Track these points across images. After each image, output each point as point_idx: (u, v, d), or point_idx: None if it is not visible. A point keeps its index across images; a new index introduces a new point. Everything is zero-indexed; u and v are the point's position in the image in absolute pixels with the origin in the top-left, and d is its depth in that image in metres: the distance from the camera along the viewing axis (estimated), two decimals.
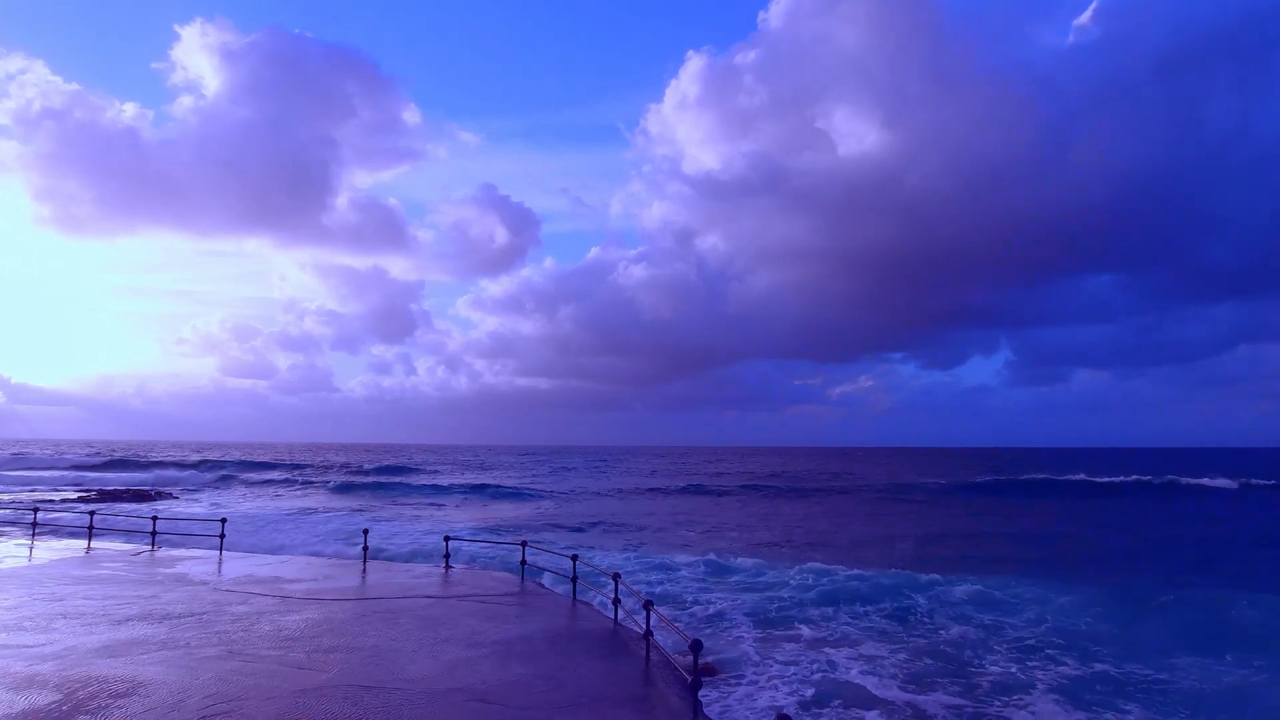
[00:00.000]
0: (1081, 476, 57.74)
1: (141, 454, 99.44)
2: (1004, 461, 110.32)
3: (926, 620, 14.64)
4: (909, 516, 36.80)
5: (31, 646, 8.98)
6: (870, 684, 10.68)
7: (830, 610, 15.10)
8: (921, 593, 16.47)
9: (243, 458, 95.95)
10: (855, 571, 18.48)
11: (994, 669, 11.66)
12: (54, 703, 6.95)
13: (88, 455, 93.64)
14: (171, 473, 66.32)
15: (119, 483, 54.65)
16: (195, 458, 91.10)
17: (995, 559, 22.56)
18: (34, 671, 7.93)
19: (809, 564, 19.66)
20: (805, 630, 13.75)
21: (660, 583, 17.65)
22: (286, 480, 60.67)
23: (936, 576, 17.79)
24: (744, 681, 10.74)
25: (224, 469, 71.09)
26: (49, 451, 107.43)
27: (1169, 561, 22.49)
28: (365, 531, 18.16)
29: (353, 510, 37.86)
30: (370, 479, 61.22)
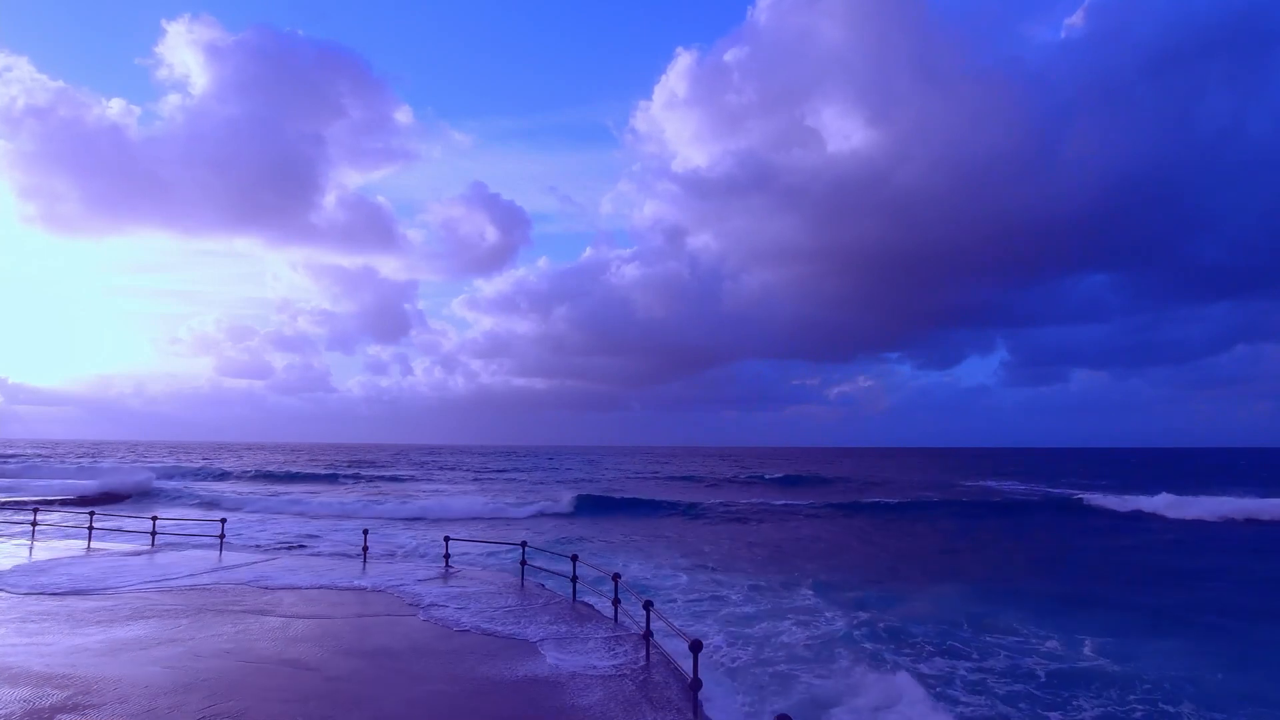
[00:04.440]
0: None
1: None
2: (1010, 464, 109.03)
3: None
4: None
5: (31, 646, 8.97)
6: None
7: None
8: None
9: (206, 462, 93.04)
10: None
11: None
12: (55, 703, 6.94)
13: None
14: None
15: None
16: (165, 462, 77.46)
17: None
18: (34, 671, 7.92)
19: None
20: None
21: None
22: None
23: None
24: None
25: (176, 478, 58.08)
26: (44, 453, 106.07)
27: None
28: (365, 532, 18.18)
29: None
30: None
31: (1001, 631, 13.63)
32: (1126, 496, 42.82)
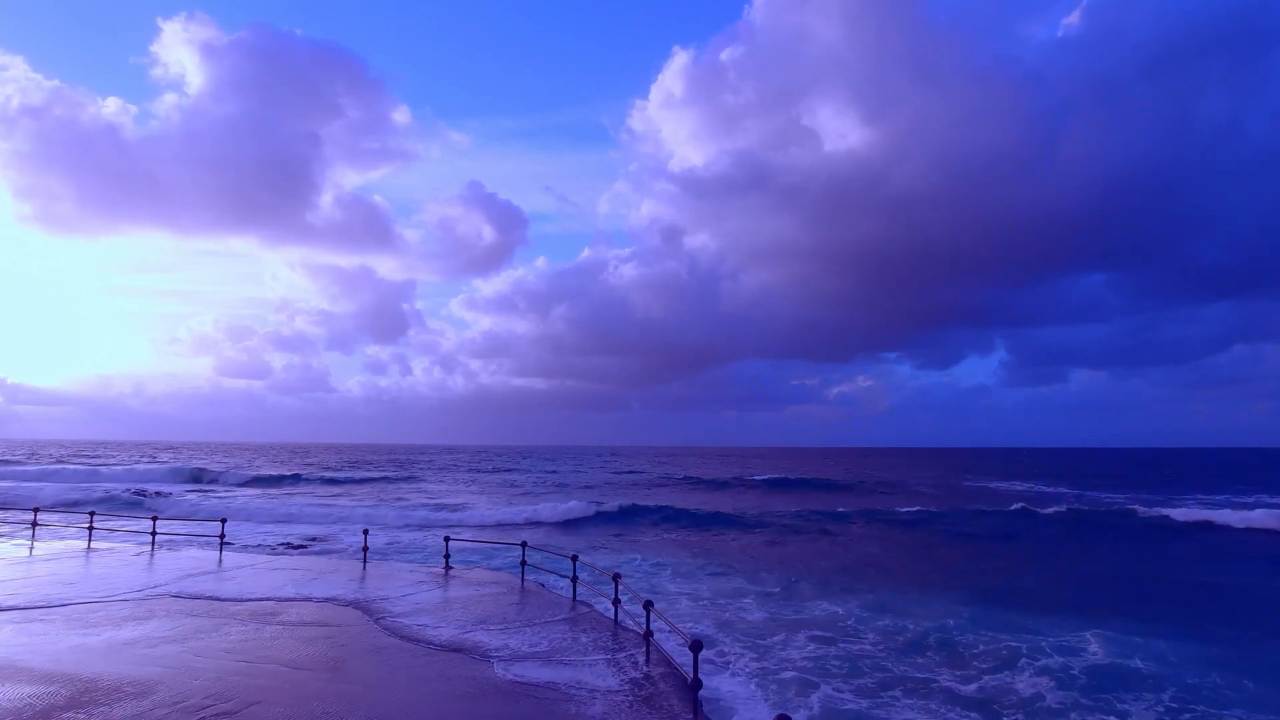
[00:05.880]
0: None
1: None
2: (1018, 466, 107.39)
3: None
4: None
5: (32, 646, 8.98)
6: None
7: None
8: None
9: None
10: None
11: None
12: (54, 702, 6.95)
13: None
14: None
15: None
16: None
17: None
18: (34, 670, 7.93)
19: None
20: None
21: None
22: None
23: None
24: None
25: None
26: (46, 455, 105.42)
27: None
28: (365, 531, 18.17)
29: None
30: None
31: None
32: (1199, 507, 38.18)
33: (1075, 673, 11.59)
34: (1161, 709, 10.24)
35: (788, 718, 5.58)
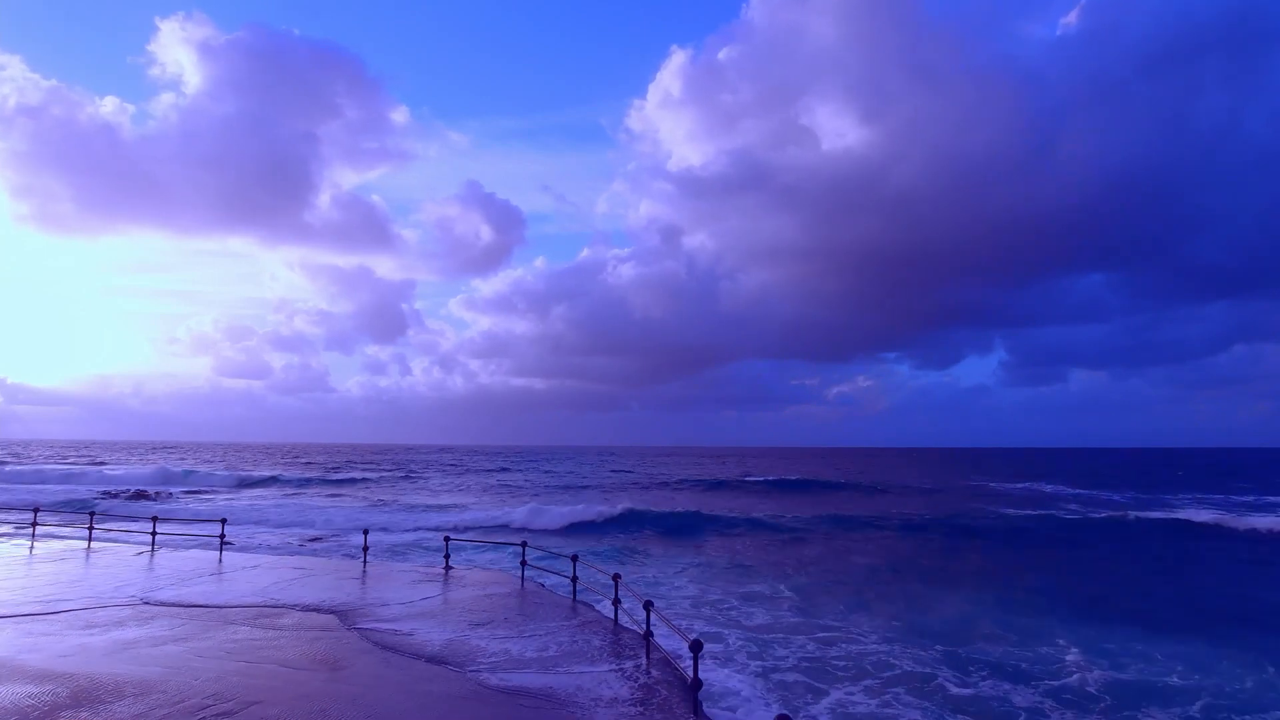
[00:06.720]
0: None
1: None
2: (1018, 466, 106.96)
3: None
4: None
5: (34, 646, 8.98)
6: None
7: None
8: None
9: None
10: None
11: None
12: (57, 701, 6.95)
13: None
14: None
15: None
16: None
17: None
18: (34, 670, 7.93)
19: None
20: None
21: None
22: None
23: None
24: None
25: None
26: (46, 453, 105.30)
27: None
28: (365, 532, 18.18)
29: None
30: None
31: None
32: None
33: (1087, 677, 11.56)
34: (1192, 717, 10.15)
35: (788, 717, 5.58)
